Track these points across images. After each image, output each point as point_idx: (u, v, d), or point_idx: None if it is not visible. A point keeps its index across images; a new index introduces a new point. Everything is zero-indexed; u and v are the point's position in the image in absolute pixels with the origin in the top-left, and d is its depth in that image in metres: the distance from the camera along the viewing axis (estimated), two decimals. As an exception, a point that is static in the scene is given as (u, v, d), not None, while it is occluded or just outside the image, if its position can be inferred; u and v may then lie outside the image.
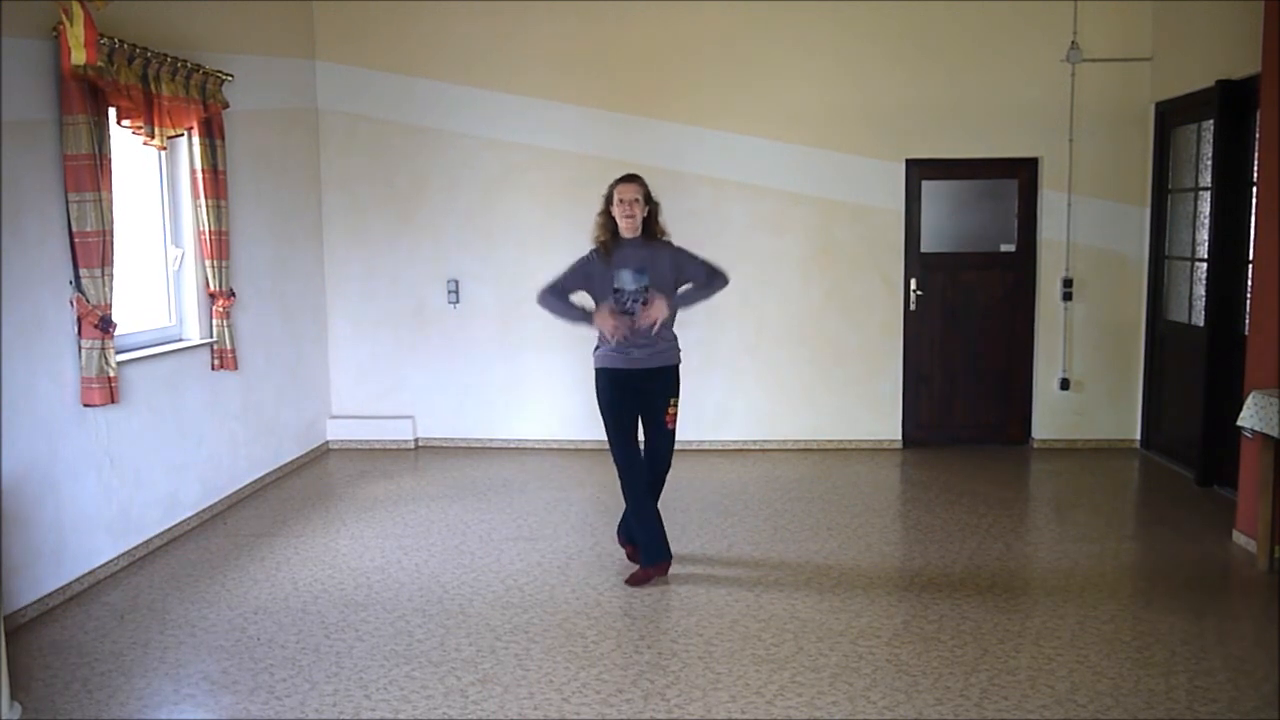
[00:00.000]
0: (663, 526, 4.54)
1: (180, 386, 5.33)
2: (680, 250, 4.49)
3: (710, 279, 4.46)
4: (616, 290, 4.39)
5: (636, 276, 4.38)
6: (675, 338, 4.55)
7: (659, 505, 4.58)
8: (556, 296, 4.47)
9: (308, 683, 3.57)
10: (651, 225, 4.47)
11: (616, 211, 4.40)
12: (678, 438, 4.63)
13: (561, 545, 5.02)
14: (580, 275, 4.47)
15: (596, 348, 4.52)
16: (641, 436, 4.53)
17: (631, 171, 4.56)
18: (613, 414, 4.44)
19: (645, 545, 4.50)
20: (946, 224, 6.99)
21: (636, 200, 4.38)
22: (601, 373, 4.48)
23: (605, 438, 4.52)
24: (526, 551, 4.93)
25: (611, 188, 4.45)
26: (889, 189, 6.85)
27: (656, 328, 4.38)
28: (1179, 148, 6.48)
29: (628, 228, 4.40)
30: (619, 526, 4.80)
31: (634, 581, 4.46)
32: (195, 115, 5.25)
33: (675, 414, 4.52)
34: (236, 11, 5.97)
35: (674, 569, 4.58)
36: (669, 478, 4.63)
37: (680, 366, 4.56)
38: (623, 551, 4.77)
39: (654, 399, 4.47)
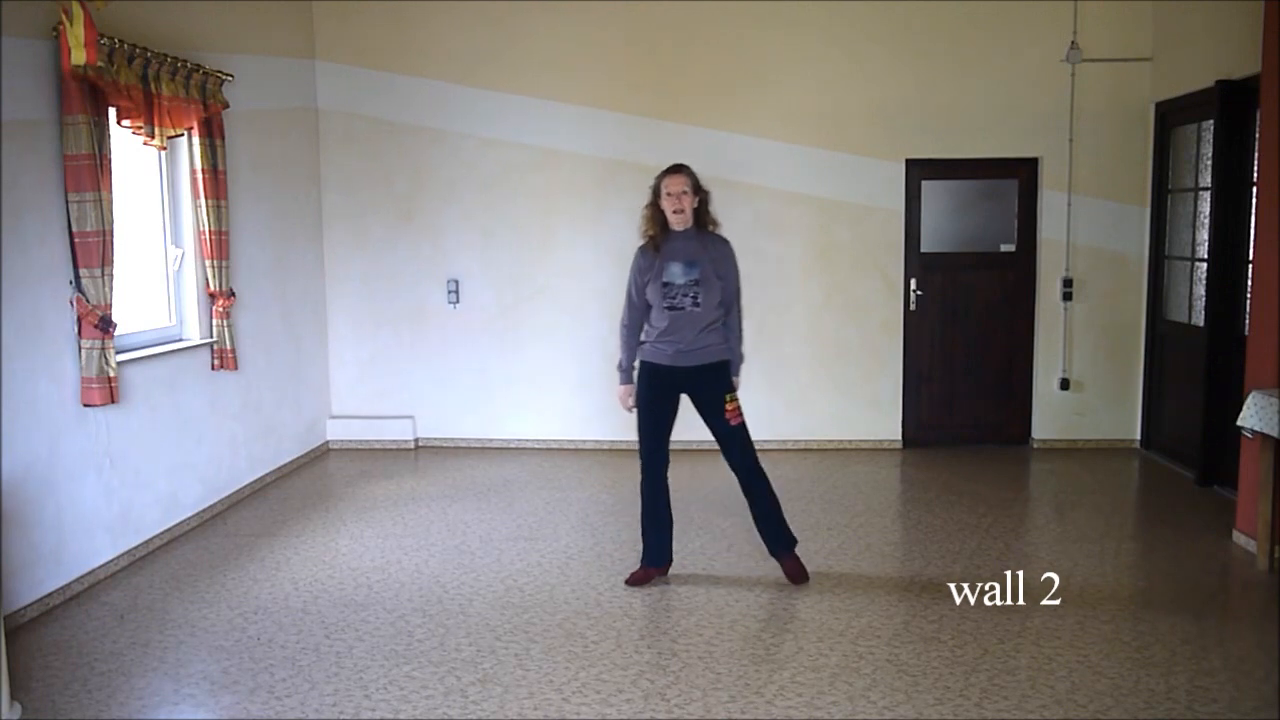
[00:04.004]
0: (671, 529, 4.51)
1: (180, 386, 5.33)
2: (730, 257, 4.39)
3: (729, 318, 4.41)
4: (666, 284, 4.29)
5: (686, 269, 4.29)
6: (723, 336, 4.41)
7: (771, 494, 4.49)
8: (630, 332, 4.45)
9: (308, 683, 3.57)
10: (703, 216, 4.40)
11: (665, 205, 4.32)
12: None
13: (561, 545, 5.02)
14: (637, 284, 4.39)
15: (642, 342, 4.46)
16: (711, 435, 4.46)
17: (679, 162, 4.44)
18: (644, 405, 4.41)
19: (650, 545, 4.50)
20: (946, 224, 6.99)
21: (685, 192, 4.31)
22: (642, 365, 4.45)
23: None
24: (526, 551, 4.93)
25: (659, 180, 4.37)
26: (889, 189, 6.85)
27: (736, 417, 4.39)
28: (1179, 148, 6.48)
29: (678, 220, 4.33)
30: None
31: (634, 581, 4.46)
32: (195, 115, 5.25)
33: (736, 408, 4.38)
34: (236, 11, 5.97)
35: (674, 569, 4.59)
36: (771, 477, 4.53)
37: (730, 364, 4.42)
38: (623, 551, 4.76)
39: (706, 397, 4.37)
